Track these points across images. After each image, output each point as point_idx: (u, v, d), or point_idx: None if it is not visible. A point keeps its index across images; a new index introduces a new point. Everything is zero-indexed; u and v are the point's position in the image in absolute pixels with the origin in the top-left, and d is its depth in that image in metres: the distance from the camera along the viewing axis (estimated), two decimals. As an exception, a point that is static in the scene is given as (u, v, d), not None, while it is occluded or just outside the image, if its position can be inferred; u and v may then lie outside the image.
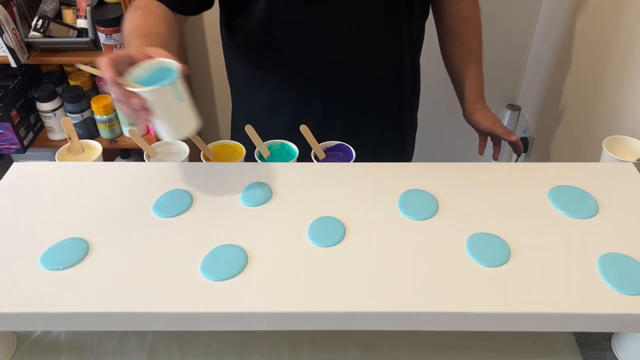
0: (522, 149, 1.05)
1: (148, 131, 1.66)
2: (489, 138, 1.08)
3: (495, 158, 1.09)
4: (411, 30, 0.93)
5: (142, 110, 0.64)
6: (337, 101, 0.94)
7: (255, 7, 0.85)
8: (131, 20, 0.80)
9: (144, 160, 0.84)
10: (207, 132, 1.91)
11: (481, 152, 1.10)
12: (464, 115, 1.07)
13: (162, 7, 0.83)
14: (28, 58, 1.42)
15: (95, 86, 1.64)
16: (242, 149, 0.86)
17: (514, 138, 1.03)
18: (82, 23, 1.42)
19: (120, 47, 1.41)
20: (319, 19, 0.85)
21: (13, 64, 1.38)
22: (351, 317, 0.58)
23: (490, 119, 1.05)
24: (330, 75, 0.91)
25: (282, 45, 0.89)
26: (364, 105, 0.96)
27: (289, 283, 0.60)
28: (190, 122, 0.69)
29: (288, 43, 0.88)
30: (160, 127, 0.68)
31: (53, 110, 1.56)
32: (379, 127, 1.00)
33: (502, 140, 1.06)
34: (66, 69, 1.66)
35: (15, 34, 1.36)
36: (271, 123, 0.94)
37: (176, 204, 0.72)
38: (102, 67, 0.63)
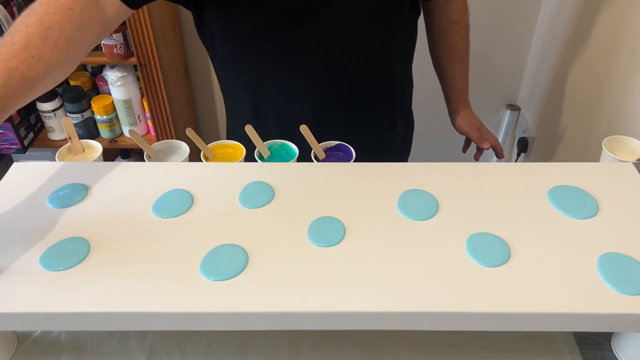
0: (502, 155, 1.08)
1: (148, 131, 1.66)
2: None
3: (476, 159, 1.11)
4: (401, 29, 0.93)
5: None
6: (329, 105, 0.94)
7: (239, 26, 0.84)
8: (13, 30, 0.62)
9: (144, 160, 0.84)
10: (207, 132, 1.92)
11: (464, 151, 1.13)
12: (449, 115, 1.10)
13: (87, 4, 0.66)
14: (28, 58, 1.42)
15: (95, 86, 1.64)
16: (242, 149, 0.86)
17: (485, 146, 1.07)
18: (82, 23, 1.42)
19: (121, 47, 1.41)
20: (307, 27, 0.84)
21: (13, 64, 1.38)
22: (351, 317, 0.58)
23: (468, 122, 1.08)
24: (320, 80, 0.91)
25: (269, 58, 0.88)
26: (358, 107, 0.96)
27: (289, 283, 0.60)
28: None
29: (275, 56, 0.87)
30: None
31: (53, 110, 1.56)
32: (374, 127, 1.00)
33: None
34: (66, 69, 1.66)
35: (15, 34, 1.36)
36: (265, 131, 0.93)
37: (176, 204, 0.72)
38: None
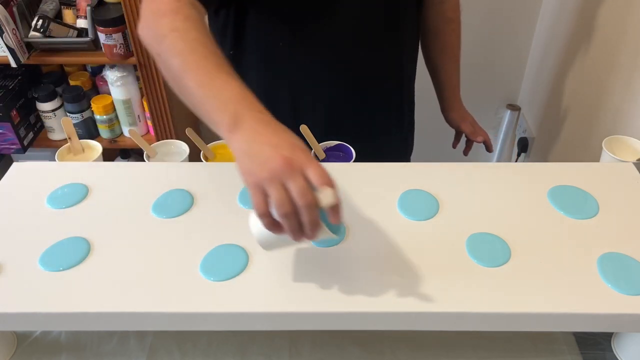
0: (492, 149, 1.11)
1: (148, 131, 1.66)
2: (463, 134, 1.14)
3: (465, 154, 1.14)
4: (408, 24, 0.93)
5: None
6: (342, 100, 0.94)
7: (255, 24, 0.84)
8: (189, 48, 0.59)
9: (144, 160, 0.84)
10: (207, 132, 1.91)
11: (454, 146, 1.16)
12: (440, 110, 1.13)
13: (194, 9, 0.67)
14: (28, 58, 1.42)
15: (95, 86, 1.64)
16: (242, 149, 0.86)
17: (479, 139, 1.09)
18: (82, 23, 1.42)
19: (121, 47, 1.41)
20: (321, 23, 0.84)
21: (13, 64, 1.38)
22: (351, 317, 0.58)
23: (461, 118, 1.11)
24: (334, 76, 0.90)
25: (285, 52, 0.87)
26: (369, 103, 0.96)
27: (289, 283, 0.60)
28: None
29: (288, 48, 0.87)
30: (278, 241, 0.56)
31: (53, 110, 1.56)
32: (384, 123, 1.01)
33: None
34: (66, 68, 1.66)
35: (15, 34, 1.36)
36: None
37: (176, 204, 0.72)
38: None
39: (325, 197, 0.50)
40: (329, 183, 0.51)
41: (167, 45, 0.61)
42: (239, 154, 0.53)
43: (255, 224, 0.55)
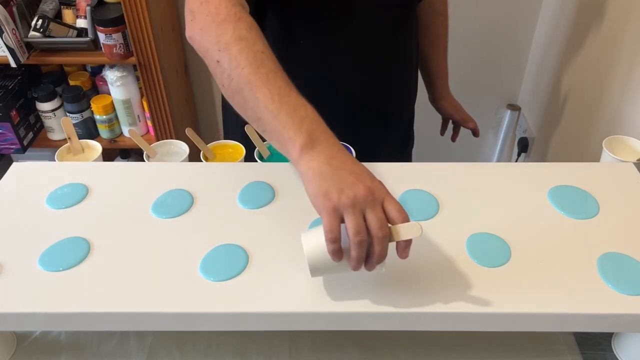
0: (479, 135, 1.17)
1: (148, 131, 1.66)
2: (450, 121, 1.18)
3: (453, 140, 1.19)
4: (413, 19, 0.95)
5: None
6: (356, 101, 0.93)
7: (277, 23, 0.83)
8: (259, 60, 0.58)
9: (144, 160, 0.84)
10: (207, 132, 1.92)
11: (442, 133, 1.21)
12: (430, 100, 1.17)
13: (248, 14, 0.64)
14: (28, 58, 1.42)
15: (95, 86, 1.64)
16: (242, 149, 0.86)
17: (470, 126, 1.15)
18: (81, 23, 1.42)
19: (121, 47, 1.41)
20: (339, 24, 0.84)
21: (13, 64, 1.38)
22: (351, 317, 0.58)
23: (452, 105, 1.16)
24: (349, 77, 0.90)
25: (302, 55, 0.87)
26: (381, 102, 0.97)
27: (289, 283, 0.60)
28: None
29: (308, 52, 0.86)
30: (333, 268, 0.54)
31: (53, 110, 1.56)
32: (394, 119, 1.02)
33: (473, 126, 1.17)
34: (66, 68, 1.66)
35: (15, 34, 1.36)
36: None
37: (176, 204, 0.72)
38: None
39: (408, 232, 0.51)
40: (407, 219, 0.51)
41: (232, 54, 0.59)
42: (312, 174, 0.53)
43: (311, 247, 0.54)
